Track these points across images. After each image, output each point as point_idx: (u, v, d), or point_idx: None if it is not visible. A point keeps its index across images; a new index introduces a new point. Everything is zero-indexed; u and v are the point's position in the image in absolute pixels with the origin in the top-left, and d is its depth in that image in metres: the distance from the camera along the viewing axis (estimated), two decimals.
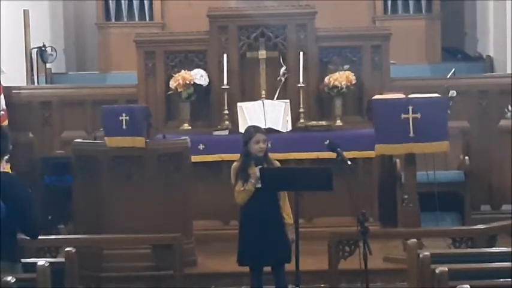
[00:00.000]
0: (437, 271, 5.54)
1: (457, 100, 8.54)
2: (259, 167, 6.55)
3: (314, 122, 9.35)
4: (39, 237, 7.47)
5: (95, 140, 8.42)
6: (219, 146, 9.00)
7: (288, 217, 6.64)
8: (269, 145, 6.91)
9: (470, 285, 5.06)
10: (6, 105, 9.22)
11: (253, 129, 6.81)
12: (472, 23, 12.52)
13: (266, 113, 9.20)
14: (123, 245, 7.65)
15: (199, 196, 8.54)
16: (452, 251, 6.80)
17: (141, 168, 7.80)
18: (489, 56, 11.44)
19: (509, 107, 9.41)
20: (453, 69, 9.57)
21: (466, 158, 9.17)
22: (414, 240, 6.22)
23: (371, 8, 12.13)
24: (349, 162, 6.47)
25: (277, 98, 9.45)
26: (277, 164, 6.88)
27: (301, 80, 9.41)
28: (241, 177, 6.64)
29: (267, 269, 6.75)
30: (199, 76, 9.45)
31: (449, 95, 8.36)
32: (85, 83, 11.00)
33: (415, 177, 7.78)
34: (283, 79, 9.52)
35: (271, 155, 6.95)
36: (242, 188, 6.61)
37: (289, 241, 6.57)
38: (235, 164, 6.78)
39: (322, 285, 7.45)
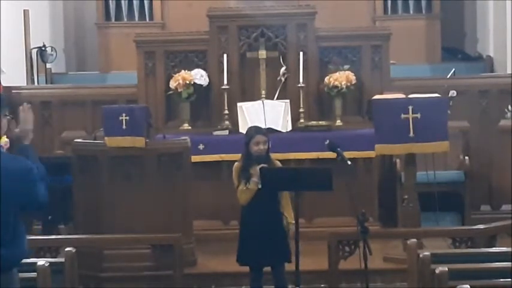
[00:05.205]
0: (437, 271, 5.55)
1: (457, 100, 8.54)
2: (260, 166, 6.55)
3: (314, 122, 9.35)
4: (39, 237, 7.54)
5: (95, 140, 8.41)
6: (219, 146, 9.00)
7: (290, 217, 6.64)
8: (269, 145, 6.90)
9: (470, 285, 5.06)
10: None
11: (253, 131, 6.81)
12: (472, 23, 12.54)
13: (266, 113, 9.20)
14: (123, 245, 7.65)
15: (199, 196, 8.53)
16: (452, 251, 6.80)
17: (141, 168, 7.80)
18: (489, 56, 11.44)
19: (509, 107, 9.41)
20: (453, 69, 9.59)
21: (466, 158, 9.16)
22: (414, 240, 6.23)
23: (371, 8, 12.15)
24: (349, 162, 6.46)
25: (277, 98, 9.45)
26: (279, 164, 6.88)
27: (301, 80, 9.41)
28: (244, 177, 6.64)
29: (267, 269, 6.75)
30: (199, 76, 9.45)
31: (449, 95, 8.36)
32: (85, 83, 11.00)
33: (415, 177, 7.78)
34: (283, 79, 9.52)
35: (271, 155, 6.95)
36: (245, 188, 6.62)
37: (289, 240, 6.58)
38: (236, 164, 6.79)
39: (322, 285, 7.45)
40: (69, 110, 10.00)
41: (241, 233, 6.75)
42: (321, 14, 9.77)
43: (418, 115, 7.44)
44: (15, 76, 10.37)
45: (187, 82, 9.36)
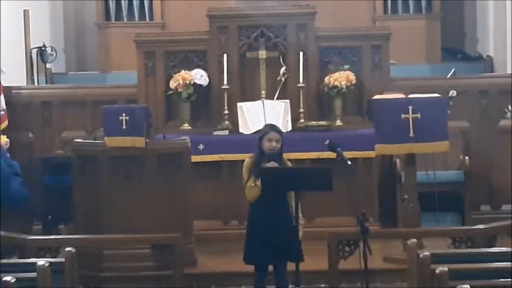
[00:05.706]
0: (437, 271, 5.54)
1: (457, 100, 8.55)
2: (270, 163, 6.53)
3: (314, 122, 9.35)
4: (39, 237, 7.54)
5: (95, 140, 8.42)
6: (219, 146, 9.00)
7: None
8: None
9: (470, 285, 5.06)
10: (6, 105, 9.22)
11: (268, 127, 6.82)
12: (472, 23, 12.54)
13: (266, 113, 9.20)
14: (123, 245, 7.65)
15: (199, 196, 8.53)
16: (452, 251, 6.79)
17: (141, 168, 7.80)
18: (489, 56, 11.44)
19: (509, 107, 9.41)
20: (453, 69, 9.57)
21: (466, 158, 9.16)
22: (414, 240, 6.23)
23: (371, 8, 12.15)
24: (349, 162, 6.46)
25: (277, 98, 9.45)
26: (289, 164, 6.86)
27: (301, 80, 9.41)
28: (254, 174, 6.61)
29: (270, 269, 6.74)
30: (199, 76, 9.45)
31: (449, 95, 8.36)
32: (85, 83, 10.99)
33: (415, 177, 7.78)
34: (283, 79, 9.52)
35: None
36: (253, 184, 6.60)
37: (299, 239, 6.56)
38: (247, 160, 6.77)
39: (322, 285, 7.45)
40: (69, 110, 9.99)
41: (249, 232, 6.71)
42: (321, 14, 9.77)
43: (418, 115, 7.44)
44: (15, 76, 10.36)
45: (187, 82, 9.36)
